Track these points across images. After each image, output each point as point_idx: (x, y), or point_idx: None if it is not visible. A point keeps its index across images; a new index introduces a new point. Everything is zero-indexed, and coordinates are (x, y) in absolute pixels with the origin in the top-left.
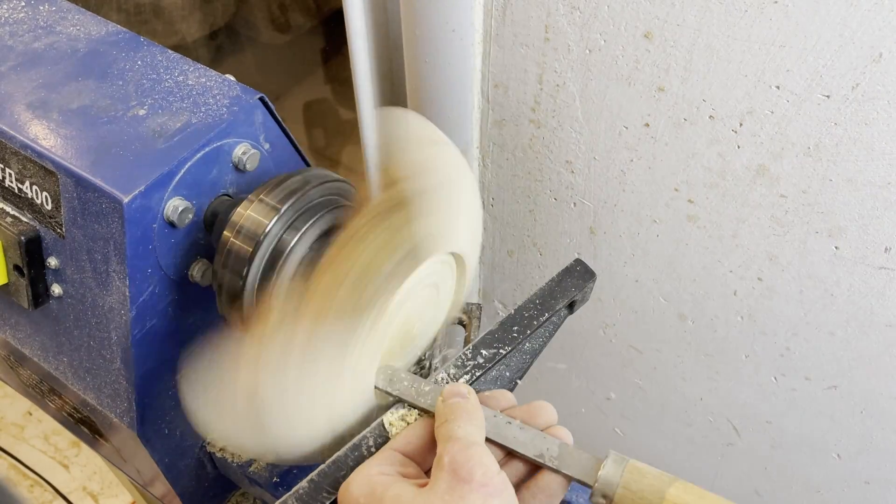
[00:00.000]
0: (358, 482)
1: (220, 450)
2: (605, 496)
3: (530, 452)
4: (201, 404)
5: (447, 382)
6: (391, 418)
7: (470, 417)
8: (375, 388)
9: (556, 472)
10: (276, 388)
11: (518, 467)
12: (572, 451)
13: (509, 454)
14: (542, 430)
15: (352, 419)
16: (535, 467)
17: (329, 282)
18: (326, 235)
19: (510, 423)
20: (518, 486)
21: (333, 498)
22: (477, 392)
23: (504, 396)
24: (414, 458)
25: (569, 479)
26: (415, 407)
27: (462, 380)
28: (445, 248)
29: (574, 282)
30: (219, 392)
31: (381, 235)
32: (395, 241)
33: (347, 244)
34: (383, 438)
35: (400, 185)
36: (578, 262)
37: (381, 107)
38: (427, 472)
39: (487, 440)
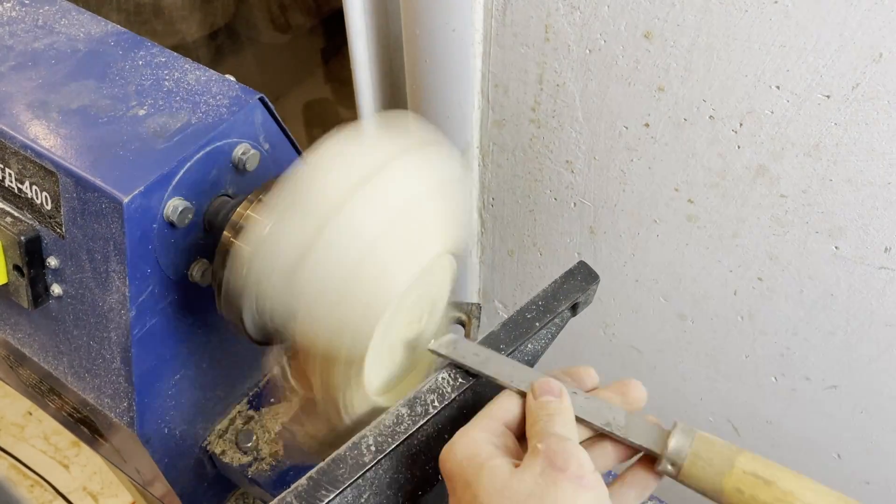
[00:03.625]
0: (463, 444)
1: (221, 452)
2: (673, 464)
3: (598, 421)
4: None
5: (448, 383)
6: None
7: (564, 419)
8: (438, 354)
9: (623, 441)
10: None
11: (604, 457)
12: (640, 420)
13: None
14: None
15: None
16: (620, 456)
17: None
18: None
19: (576, 392)
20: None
21: (332, 496)
22: (559, 371)
23: (588, 374)
24: (512, 429)
25: (637, 448)
26: (498, 383)
27: (459, 378)
28: (389, 305)
29: (577, 284)
30: None
31: (318, 360)
32: (331, 359)
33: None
34: (384, 437)
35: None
36: (582, 264)
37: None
38: (522, 447)
39: None
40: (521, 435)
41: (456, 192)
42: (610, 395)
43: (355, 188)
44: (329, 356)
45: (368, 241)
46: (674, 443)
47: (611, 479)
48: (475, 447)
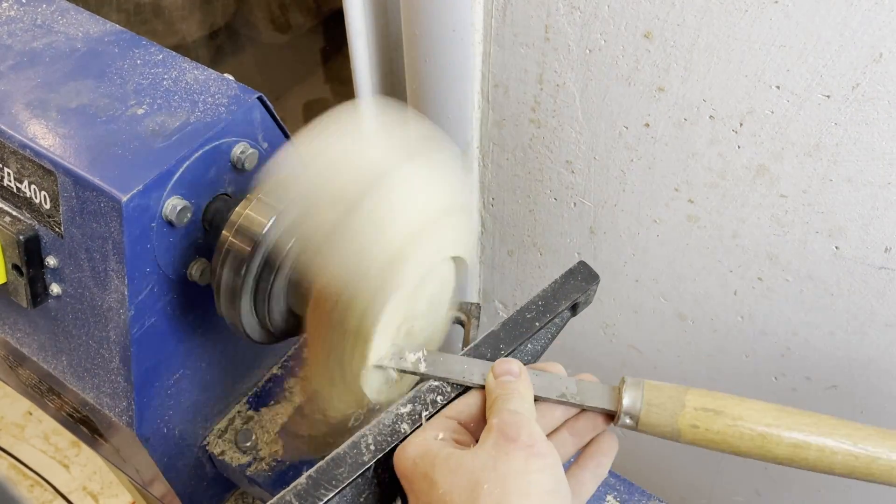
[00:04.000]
0: (415, 444)
1: (221, 452)
2: (631, 416)
3: (553, 395)
4: None
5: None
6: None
7: (521, 397)
8: (382, 367)
9: (581, 406)
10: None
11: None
12: (590, 385)
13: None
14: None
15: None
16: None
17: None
18: None
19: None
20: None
21: (332, 494)
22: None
23: (555, 369)
24: (467, 426)
25: (593, 410)
26: (460, 384)
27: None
28: (401, 287)
29: (577, 284)
30: None
31: (329, 328)
32: (340, 330)
33: (308, 345)
34: (383, 437)
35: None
36: (582, 263)
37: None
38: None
39: None
40: (480, 431)
41: (468, 195)
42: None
43: (412, 156)
44: (347, 312)
45: (423, 209)
46: (627, 397)
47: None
48: (426, 444)
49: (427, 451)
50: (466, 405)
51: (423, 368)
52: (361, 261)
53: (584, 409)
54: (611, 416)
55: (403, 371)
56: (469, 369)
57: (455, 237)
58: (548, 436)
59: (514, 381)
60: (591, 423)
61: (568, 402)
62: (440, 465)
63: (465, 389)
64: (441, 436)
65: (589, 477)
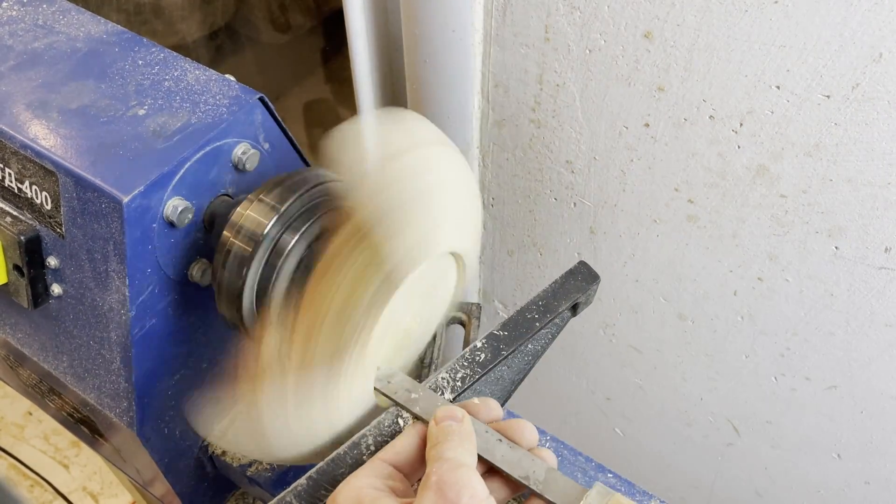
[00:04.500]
0: (345, 494)
1: (222, 452)
2: None
3: (516, 473)
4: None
5: (448, 382)
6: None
7: (462, 441)
8: (375, 389)
9: (540, 496)
10: (274, 414)
11: (500, 490)
12: (558, 477)
13: (492, 471)
14: (528, 451)
15: (351, 421)
16: (515, 489)
17: (310, 324)
18: (326, 235)
19: (500, 440)
20: None
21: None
22: (466, 398)
23: (490, 406)
24: (403, 469)
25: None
26: (409, 412)
27: (459, 378)
28: (430, 255)
29: (577, 284)
30: (221, 401)
31: (357, 263)
32: (371, 268)
33: (325, 276)
34: (383, 437)
35: (375, 200)
36: (582, 263)
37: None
38: (416, 487)
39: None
40: (418, 474)
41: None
42: (502, 429)
43: (431, 143)
44: (373, 263)
45: (444, 184)
46: None
47: None
48: (358, 493)
49: (360, 501)
50: (403, 447)
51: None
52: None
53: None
54: None
55: (377, 391)
56: (414, 399)
57: (465, 231)
58: None
59: (456, 425)
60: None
61: (529, 486)
62: None
63: (465, 391)
64: (372, 483)
65: None
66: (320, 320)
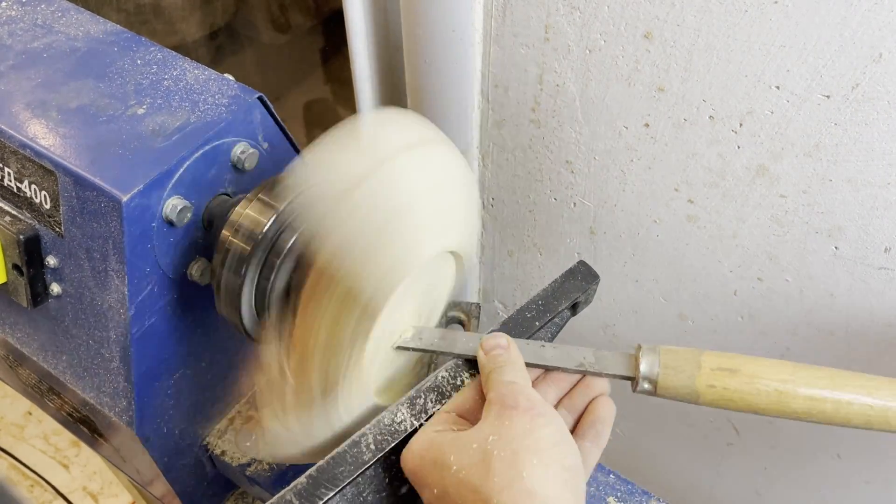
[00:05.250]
0: (419, 441)
1: (221, 452)
2: (649, 381)
3: (571, 365)
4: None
5: (449, 382)
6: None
7: (512, 364)
8: (402, 348)
9: (598, 375)
10: (277, 425)
11: (548, 393)
12: (606, 354)
13: (537, 380)
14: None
15: (350, 422)
16: (561, 389)
17: (300, 357)
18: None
19: (543, 346)
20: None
21: (332, 493)
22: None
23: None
24: (467, 416)
25: (613, 377)
26: (451, 354)
27: (460, 377)
28: (409, 273)
29: (577, 283)
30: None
31: (334, 298)
32: (348, 302)
33: (306, 314)
34: (384, 435)
35: (342, 229)
36: (582, 263)
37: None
38: None
39: (528, 364)
40: (478, 417)
41: (473, 193)
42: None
43: (412, 146)
44: (348, 298)
45: (419, 193)
46: (644, 362)
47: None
48: (430, 437)
49: (432, 441)
50: (463, 398)
51: (440, 348)
52: (375, 240)
53: (580, 382)
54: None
55: (404, 348)
56: (465, 343)
57: (462, 230)
58: None
59: (504, 352)
60: (584, 393)
61: (587, 370)
62: (448, 447)
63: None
64: (441, 428)
65: (590, 446)
66: (309, 356)
